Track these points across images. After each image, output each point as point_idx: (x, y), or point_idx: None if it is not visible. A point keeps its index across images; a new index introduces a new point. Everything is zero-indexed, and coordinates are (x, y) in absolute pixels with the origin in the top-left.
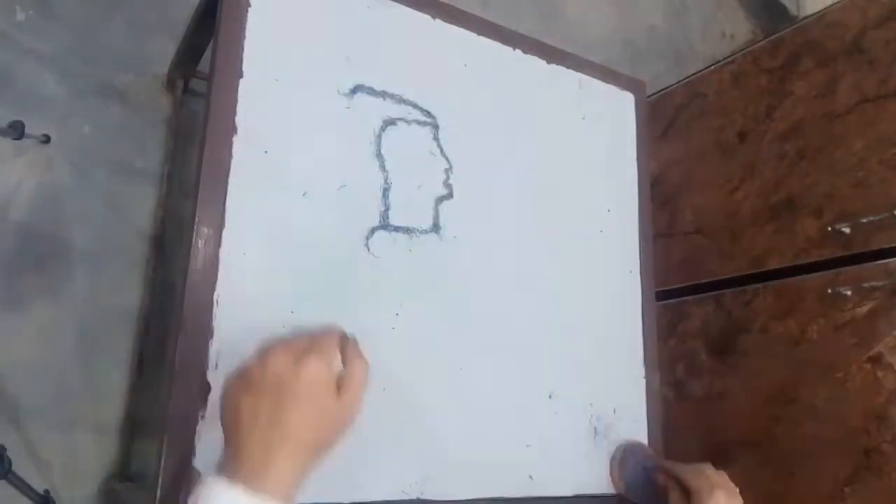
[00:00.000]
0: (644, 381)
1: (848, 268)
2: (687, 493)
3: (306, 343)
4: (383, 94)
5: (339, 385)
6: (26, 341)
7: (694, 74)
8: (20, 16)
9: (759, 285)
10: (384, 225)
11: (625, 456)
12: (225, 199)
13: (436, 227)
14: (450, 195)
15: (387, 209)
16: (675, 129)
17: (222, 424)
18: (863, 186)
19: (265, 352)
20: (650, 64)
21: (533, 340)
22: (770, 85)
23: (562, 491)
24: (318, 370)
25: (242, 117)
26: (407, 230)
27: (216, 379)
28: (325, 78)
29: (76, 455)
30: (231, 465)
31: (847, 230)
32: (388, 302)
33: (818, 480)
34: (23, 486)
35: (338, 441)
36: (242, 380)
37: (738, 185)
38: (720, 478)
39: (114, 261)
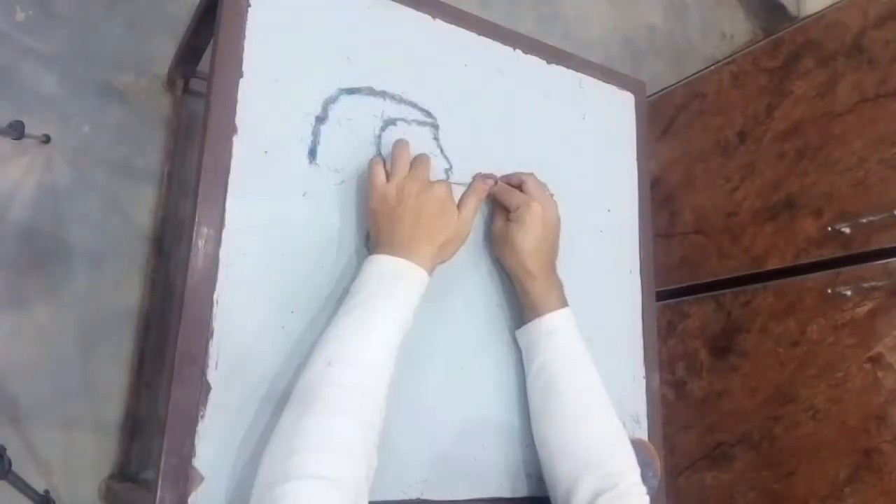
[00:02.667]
0: (644, 380)
1: (848, 268)
2: (507, 211)
3: (427, 175)
4: (383, 94)
5: (458, 207)
6: (26, 341)
7: (694, 74)
8: (20, 16)
9: (759, 285)
10: None
11: None
12: (225, 199)
13: None
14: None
15: None
16: (675, 129)
17: (377, 226)
18: (863, 186)
19: (407, 177)
20: (650, 64)
21: None
22: (770, 85)
23: None
24: (443, 191)
25: (242, 117)
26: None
27: (216, 379)
28: (325, 78)
29: (76, 455)
30: (386, 245)
31: (847, 230)
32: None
33: (818, 480)
34: (23, 486)
35: (455, 247)
36: (397, 193)
37: (738, 185)
38: (539, 191)
39: (114, 261)
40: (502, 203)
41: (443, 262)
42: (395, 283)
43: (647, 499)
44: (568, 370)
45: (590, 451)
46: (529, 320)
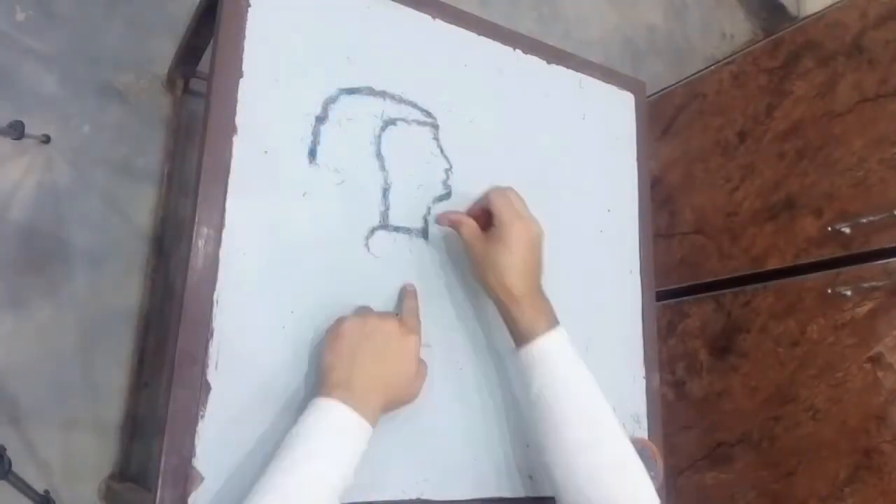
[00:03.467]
0: (644, 380)
1: (848, 268)
2: (489, 214)
3: (414, 323)
4: (383, 94)
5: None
6: (26, 341)
7: (694, 74)
8: (20, 16)
9: (759, 285)
10: (384, 225)
11: None
12: (225, 199)
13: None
14: (449, 195)
15: (387, 209)
16: (675, 129)
17: (331, 361)
18: (863, 186)
19: (382, 316)
20: (650, 64)
21: None
22: (770, 85)
23: None
24: (416, 345)
25: (242, 117)
26: (407, 230)
27: (216, 379)
28: (325, 78)
29: (76, 455)
30: (341, 388)
31: (847, 230)
32: (389, 302)
33: (818, 480)
34: (23, 486)
35: (402, 405)
36: (365, 326)
37: (738, 184)
38: (519, 206)
39: (114, 261)
40: (487, 202)
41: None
42: (342, 441)
43: None
44: (563, 399)
45: (595, 487)
46: (520, 346)
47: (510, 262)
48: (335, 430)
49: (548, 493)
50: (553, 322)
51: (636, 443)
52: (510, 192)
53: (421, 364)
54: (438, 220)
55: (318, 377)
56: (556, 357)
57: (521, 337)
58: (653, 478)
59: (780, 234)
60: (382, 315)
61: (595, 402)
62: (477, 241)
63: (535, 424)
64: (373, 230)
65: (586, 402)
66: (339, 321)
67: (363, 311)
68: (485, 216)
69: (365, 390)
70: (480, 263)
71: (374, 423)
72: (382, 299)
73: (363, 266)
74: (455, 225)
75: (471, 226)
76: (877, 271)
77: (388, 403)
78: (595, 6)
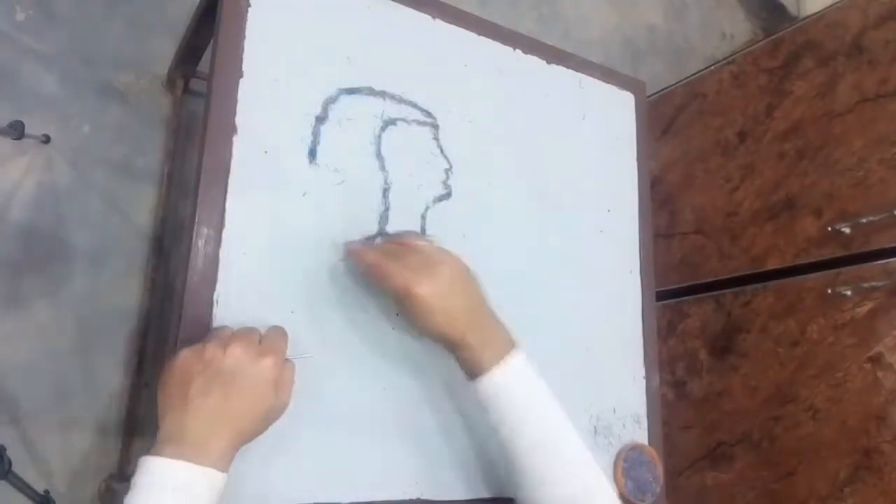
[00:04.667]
0: (644, 381)
1: (848, 268)
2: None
3: (257, 341)
4: (383, 94)
5: (276, 384)
6: (26, 341)
7: (694, 74)
8: (20, 16)
9: (759, 285)
10: (384, 225)
11: (628, 458)
12: (225, 199)
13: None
14: (449, 195)
15: (387, 209)
16: (675, 129)
17: (164, 407)
18: (863, 186)
19: (228, 339)
20: (650, 64)
21: (532, 340)
22: (770, 85)
23: None
24: (271, 369)
25: (242, 117)
26: (407, 230)
27: None
28: (325, 78)
29: (76, 455)
30: (169, 445)
31: (847, 230)
32: (389, 302)
33: (818, 480)
34: (23, 486)
35: (269, 425)
36: (199, 361)
37: (738, 184)
38: (431, 247)
39: (114, 261)
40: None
41: (249, 441)
42: (178, 498)
43: None
44: (518, 433)
45: None
46: (471, 381)
47: (429, 326)
48: (170, 489)
49: None
50: (504, 349)
51: (635, 448)
52: (387, 245)
53: (284, 373)
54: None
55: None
56: (509, 389)
57: (470, 373)
58: (652, 482)
59: (780, 234)
60: (229, 339)
61: (552, 434)
62: (399, 295)
63: (498, 451)
64: (376, 235)
65: (542, 435)
66: (173, 357)
67: (215, 334)
68: None
69: (202, 437)
70: (409, 316)
71: (223, 466)
72: (382, 299)
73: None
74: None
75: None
76: (877, 271)
77: (242, 437)
78: (595, 6)
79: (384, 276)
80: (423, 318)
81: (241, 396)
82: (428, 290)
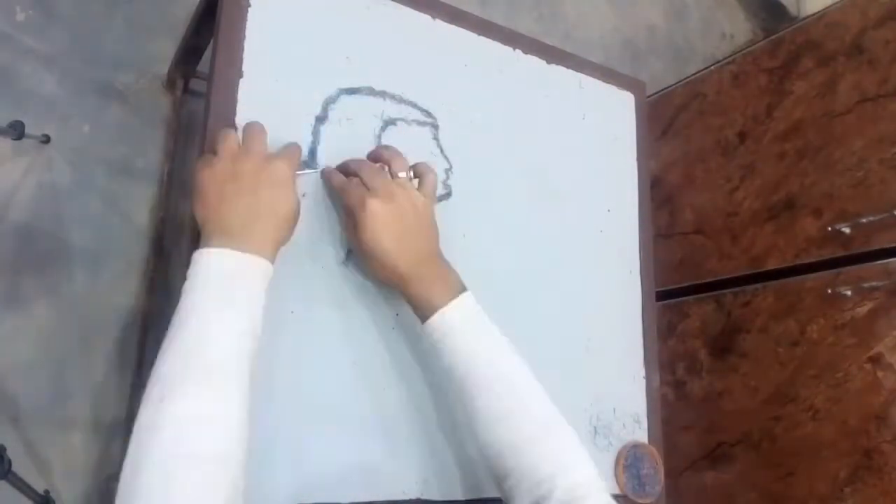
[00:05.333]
0: (644, 381)
1: (848, 268)
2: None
3: (266, 148)
4: (383, 94)
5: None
6: (26, 341)
7: (694, 74)
8: (20, 16)
9: (759, 285)
10: None
11: (629, 457)
12: None
13: None
14: (449, 195)
15: None
16: (675, 129)
17: (203, 211)
18: (863, 186)
19: (240, 148)
20: (650, 64)
21: (532, 340)
22: (770, 85)
23: None
24: (285, 167)
25: (242, 117)
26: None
27: None
28: (325, 78)
29: (76, 455)
30: (217, 234)
31: (847, 230)
32: (388, 302)
33: (818, 480)
34: (23, 486)
35: (293, 226)
36: (226, 168)
37: (738, 184)
38: (372, 178)
39: (114, 261)
40: (342, 200)
41: (283, 244)
42: (234, 284)
43: (597, 496)
44: (472, 372)
45: (516, 458)
46: (422, 323)
47: (379, 245)
48: (227, 276)
49: None
50: (453, 291)
51: (637, 448)
52: (366, 164)
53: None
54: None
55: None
56: (457, 329)
57: (420, 314)
58: (653, 481)
59: (780, 234)
60: (247, 145)
61: (507, 370)
62: (349, 227)
63: (453, 398)
64: None
65: (495, 371)
66: (195, 174)
67: (226, 147)
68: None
69: (244, 227)
70: (360, 257)
71: (270, 255)
72: (382, 299)
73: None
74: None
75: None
76: (877, 271)
77: (278, 232)
78: (595, 6)
79: (342, 190)
80: (375, 239)
81: (271, 193)
82: (382, 208)
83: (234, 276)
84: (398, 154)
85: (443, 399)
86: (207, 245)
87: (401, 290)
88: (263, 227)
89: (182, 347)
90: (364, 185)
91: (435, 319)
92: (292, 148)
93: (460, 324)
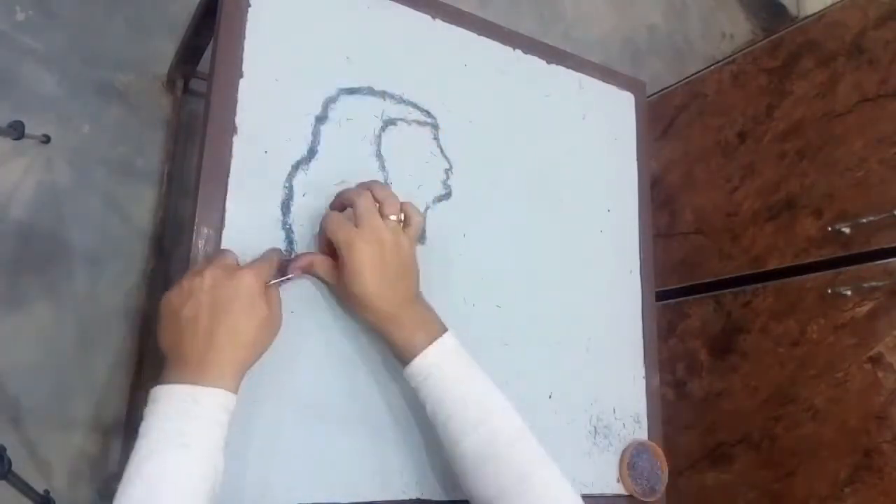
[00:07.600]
0: (644, 381)
1: (848, 268)
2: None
3: (234, 262)
4: (383, 94)
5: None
6: (26, 341)
7: (694, 74)
8: (20, 16)
9: (759, 285)
10: None
11: (633, 455)
12: (225, 199)
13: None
14: (449, 195)
15: None
16: (675, 129)
17: (163, 342)
18: (863, 186)
19: (204, 266)
20: (650, 64)
21: (532, 340)
22: (770, 85)
23: None
24: (252, 281)
25: (242, 117)
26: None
27: None
28: (325, 78)
29: (76, 455)
30: (173, 367)
31: (847, 230)
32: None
33: (818, 480)
34: (23, 486)
35: (268, 343)
36: (182, 292)
37: (738, 184)
38: (363, 217)
39: (114, 261)
40: (328, 237)
41: (250, 366)
42: (188, 425)
43: None
44: (454, 417)
45: (502, 500)
46: (404, 368)
47: (363, 288)
48: (179, 414)
49: None
50: (433, 333)
51: (641, 446)
52: (365, 196)
53: (268, 289)
54: (291, 271)
55: None
56: (438, 373)
57: (401, 358)
58: (659, 477)
59: (780, 234)
60: (205, 265)
61: (490, 409)
62: (333, 276)
63: (439, 437)
64: None
65: (479, 413)
66: (160, 303)
67: (190, 268)
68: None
69: (200, 357)
70: (343, 297)
71: (230, 384)
72: None
73: None
74: (308, 269)
75: (323, 263)
76: (877, 271)
77: (242, 353)
78: (595, 6)
79: (331, 228)
80: (360, 282)
81: (230, 312)
82: (369, 250)
83: (189, 416)
84: (391, 196)
85: None
86: (164, 380)
87: (380, 333)
88: (219, 357)
89: (135, 494)
90: (355, 221)
91: (416, 363)
92: (266, 255)
93: (439, 369)
